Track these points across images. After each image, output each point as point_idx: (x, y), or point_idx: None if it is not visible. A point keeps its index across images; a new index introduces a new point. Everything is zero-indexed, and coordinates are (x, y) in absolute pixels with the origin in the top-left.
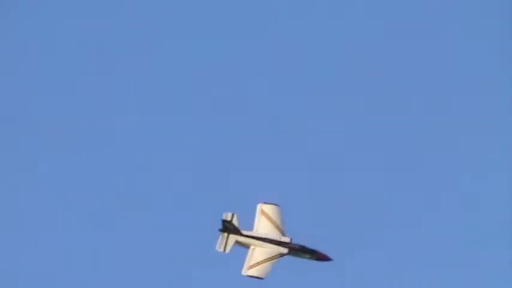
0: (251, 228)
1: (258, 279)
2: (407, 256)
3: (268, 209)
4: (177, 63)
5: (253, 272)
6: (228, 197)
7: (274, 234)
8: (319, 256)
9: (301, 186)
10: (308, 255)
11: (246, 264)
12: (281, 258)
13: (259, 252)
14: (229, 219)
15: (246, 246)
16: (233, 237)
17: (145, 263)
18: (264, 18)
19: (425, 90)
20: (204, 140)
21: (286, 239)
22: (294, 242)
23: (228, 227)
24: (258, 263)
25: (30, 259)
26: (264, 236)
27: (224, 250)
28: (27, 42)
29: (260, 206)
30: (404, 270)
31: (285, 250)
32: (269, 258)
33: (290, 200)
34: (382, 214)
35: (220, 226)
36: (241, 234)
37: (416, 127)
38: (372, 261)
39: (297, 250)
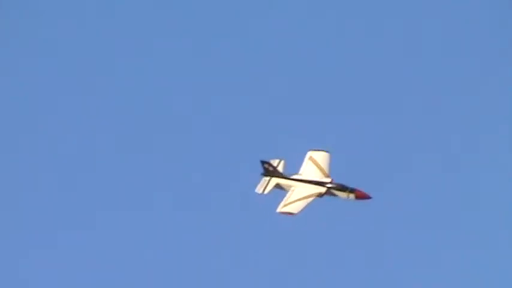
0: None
1: (290, 215)
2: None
3: (317, 155)
4: None
5: (285, 209)
6: (282, 145)
7: (316, 177)
8: (358, 194)
9: (352, 132)
10: (346, 194)
11: (282, 203)
12: (319, 197)
13: (296, 192)
14: (271, 163)
15: (287, 189)
16: (274, 180)
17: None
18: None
19: None
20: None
21: (326, 180)
22: (334, 181)
23: (269, 170)
24: (293, 201)
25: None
26: (303, 178)
27: (263, 192)
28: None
29: (309, 153)
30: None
31: (323, 189)
32: (305, 197)
33: (342, 147)
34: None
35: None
36: (282, 177)
37: None
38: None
39: (335, 189)
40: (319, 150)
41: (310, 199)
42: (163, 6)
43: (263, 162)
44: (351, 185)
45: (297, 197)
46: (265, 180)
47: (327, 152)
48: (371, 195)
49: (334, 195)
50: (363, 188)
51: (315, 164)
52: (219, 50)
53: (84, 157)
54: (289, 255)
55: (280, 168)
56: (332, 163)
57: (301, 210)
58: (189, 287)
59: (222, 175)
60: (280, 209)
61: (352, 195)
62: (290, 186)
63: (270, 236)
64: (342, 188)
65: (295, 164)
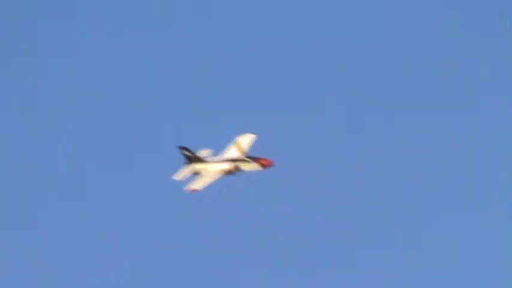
0: None
1: (195, 192)
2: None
3: (242, 138)
4: None
5: (191, 186)
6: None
7: (233, 156)
8: (263, 163)
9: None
10: (251, 165)
11: (191, 183)
12: (230, 174)
13: (206, 172)
14: (189, 149)
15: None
16: (193, 166)
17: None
18: None
19: None
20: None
21: (238, 157)
22: (242, 157)
23: (189, 157)
24: (201, 180)
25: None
26: (216, 159)
27: (181, 178)
28: None
29: (236, 138)
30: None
31: (230, 165)
32: (212, 174)
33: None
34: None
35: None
36: (200, 162)
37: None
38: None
39: (240, 161)
40: (246, 133)
41: (217, 176)
42: None
43: (181, 148)
44: (258, 156)
45: (205, 176)
46: (185, 167)
47: (253, 134)
48: (274, 161)
49: (242, 169)
50: (270, 157)
51: (236, 147)
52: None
53: None
54: (199, 231)
55: (204, 155)
56: (259, 144)
57: (205, 186)
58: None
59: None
60: (186, 187)
61: (257, 165)
62: (205, 169)
63: (180, 213)
64: (247, 160)
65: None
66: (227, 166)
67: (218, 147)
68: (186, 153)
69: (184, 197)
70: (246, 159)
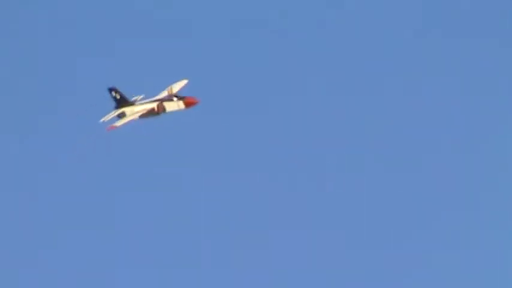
0: None
1: (114, 128)
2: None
3: (175, 84)
4: None
5: (111, 124)
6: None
7: (159, 97)
8: (186, 101)
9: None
10: (176, 103)
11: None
12: (155, 115)
13: (131, 112)
14: (118, 90)
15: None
16: (121, 109)
17: None
18: None
19: None
20: None
21: (164, 97)
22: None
23: (118, 100)
24: (122, 118)
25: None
26: (144, 101)
27: (106, 120)
28: None
29: (170, 84)
30: None
31: (153, 104)
32: (135, 113)
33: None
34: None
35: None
36: (129, 105)
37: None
38: None
39: (164, 100)
40: (180, 80)
41: (139, 114)
42: None
43: (110, 90)
44: (183, 95)
45: (128, 115)
46: (114, 110)
47: (186, 80)
48: (198, 99)
49: (166, 110)
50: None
51: (167, 91)
52: None
53: None
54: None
55: (134, 99)
56: (190, 89)
57: (124, 123)
58: None
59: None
60: (107, 127)
61: (181, 103)
62: (131, 110)
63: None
64: (170, 99)
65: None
66: (152, 106)
67: (153, 94)
68: (115, 94)
69: (105, 136)
70: (171, 98)
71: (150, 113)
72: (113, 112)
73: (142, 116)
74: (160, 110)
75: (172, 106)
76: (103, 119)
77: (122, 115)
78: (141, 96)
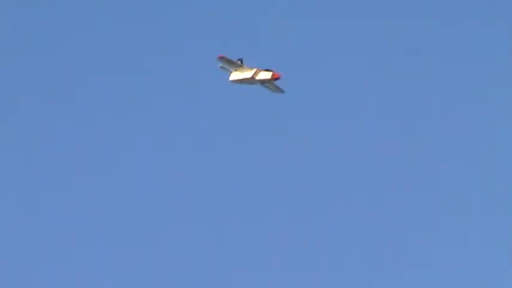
0: None
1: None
2: None
3: (223, 61)
4: None
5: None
6: None
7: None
8: (274, 75)
9: None
10: (268, 73)
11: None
12: (248, 80)
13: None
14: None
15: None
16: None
17: None
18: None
19: None
20: None
21: (251, 73)
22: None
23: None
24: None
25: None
26: (241, 77)
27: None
28: None
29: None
30: None
31: (252, 71)
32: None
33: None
34: None
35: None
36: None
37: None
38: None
39: (260, 71)
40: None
41: (242, 77)
42: None
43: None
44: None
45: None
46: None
47: (222, 56)
48: (281, 75)
49: (259, 77)
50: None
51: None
52: None
53: None
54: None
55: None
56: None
57: (235, 78)
58: None
59: None
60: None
61: (271, 74)
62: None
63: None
64: (267, 69)
65: None
66: (251, 72)
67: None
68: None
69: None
70: (267, 69)
71: (247, 79)
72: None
73: (240, 81)
74: (255, 75)
75: (264, 75)
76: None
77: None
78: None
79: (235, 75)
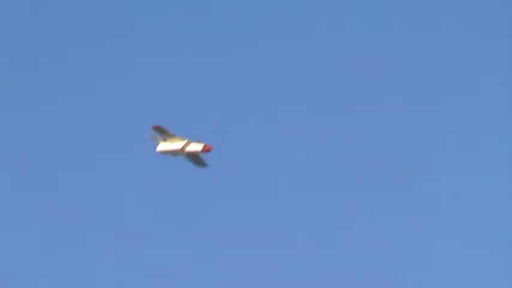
0: None
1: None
2: None
3: (157, 130)
4: None
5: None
6: None
7: (176, 142)
8: (205, 147)
9: None
10: (199, 144)
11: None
12: (177, 152)
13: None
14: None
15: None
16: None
17: None
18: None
19: None
20: None
21: (181, 145)
22: (191, 142)
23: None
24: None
25: None
26: (168, 149)
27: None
28: None
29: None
30: None
31: (185, 141)
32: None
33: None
34: None
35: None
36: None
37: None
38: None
39: (195, 141)
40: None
41: (172, 150)
42: None
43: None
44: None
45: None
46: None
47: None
48: (211, 147)
49: (189, 148)
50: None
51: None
52: None
53: None
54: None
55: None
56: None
57: (161, 150)
58: None
59: None
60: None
61: (201, 146)
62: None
63: None
64: (198, 141)
65: None
66: (182, 144)
67: None
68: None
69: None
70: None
71: (175, 151)
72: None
73: (165, 152)
74: (185, 147)
75: (194, 147)
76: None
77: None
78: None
79: (164, 145)
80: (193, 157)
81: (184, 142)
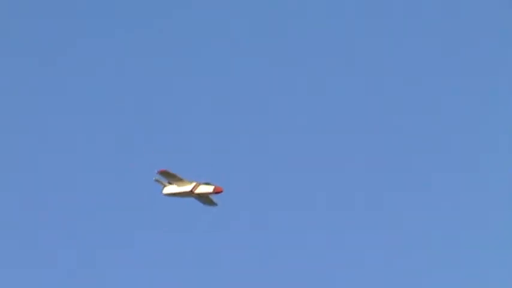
0: None
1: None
2: None
3: (164, 174)
4: None
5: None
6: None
7: (185, 185)
8: (216, 189)
9: None
10: (210, 186)
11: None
12: (190, 196)
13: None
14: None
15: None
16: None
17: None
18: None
19: None
20: None
21: (190, 187)
22: (200, 184)
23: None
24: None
25: None
26: (178, 191)
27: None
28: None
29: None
30: None
31: (194, 183)
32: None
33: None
34: None
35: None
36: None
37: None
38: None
39: (204, 183)
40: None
41: (181, 191)
42: None
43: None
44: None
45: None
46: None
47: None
48: (223, 188)
49: (199, 190)
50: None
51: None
52: None
53: None
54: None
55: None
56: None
57: (169, 192)
58: None
59: None
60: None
61: (212, 188)
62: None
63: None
64: (208, 183)
65: None
66: (190, 186)
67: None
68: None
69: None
70: (207, 182)
71: (184, 193)
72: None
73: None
74: (195, 189)
75: (205, 188)
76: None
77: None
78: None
79: (171, 188)
80: (203, 197)
81: (192, 185)
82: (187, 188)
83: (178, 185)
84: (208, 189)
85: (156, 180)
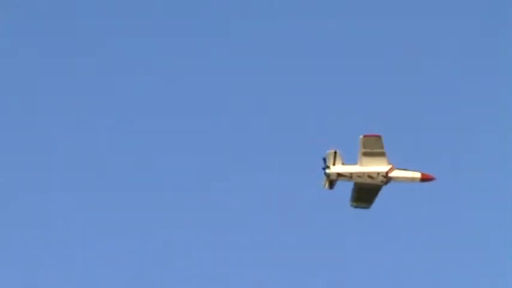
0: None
1: (364, 209)
2: None
3: (370, 141)
4: None
5: (359, 203)
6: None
7: (377, 164)
8: (423, 176)
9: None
10: (411, 174)
11: (352, 197)
12: (385, 184)
13: (360, 185)
14: (329, 156)
15: (349, 179)
16: (334, 174)
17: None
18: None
19: None
20: None
21: (386, 168)
22: (395, 167)
23: (328, 165)
24: (362, 195)
25: None
26: (363, 170)
27: (329, 188)
28: None
29: (361, 139)
30: None
31: (383, 180)
32: (371, 188)
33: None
34: None
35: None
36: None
37: None
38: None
39: (399, 171)
40: (370, 135)
41: (378, 191)
42: None
43: (324, 159)
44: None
45: (364, 190)
46: (327, 174)
47: (379, 136)
48: (435, 176)
49: (398, 181)
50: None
51: (370, 150)
52: None
53: None
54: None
55: (338, 159)
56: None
57: (373, 202)
58: None
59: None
60: (353, 203)
61: (417, 175)
62: (352, 178)
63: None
64: (404, 171)
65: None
66: (383, 180)
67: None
68: (329, 162)
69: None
70: (401, 169)
71: (370, 178)
72: (327, 175)
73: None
74: (389, 173)
75: (406, 176)
76: (324, 186)
77: (340, 177)
78: (335, 152)
79: (350, 168)
80: (366, 191)
81: (390, 166)
82: (383, 168)
83: (364, 164)
84: (412, 175)
85: (327, 157)
